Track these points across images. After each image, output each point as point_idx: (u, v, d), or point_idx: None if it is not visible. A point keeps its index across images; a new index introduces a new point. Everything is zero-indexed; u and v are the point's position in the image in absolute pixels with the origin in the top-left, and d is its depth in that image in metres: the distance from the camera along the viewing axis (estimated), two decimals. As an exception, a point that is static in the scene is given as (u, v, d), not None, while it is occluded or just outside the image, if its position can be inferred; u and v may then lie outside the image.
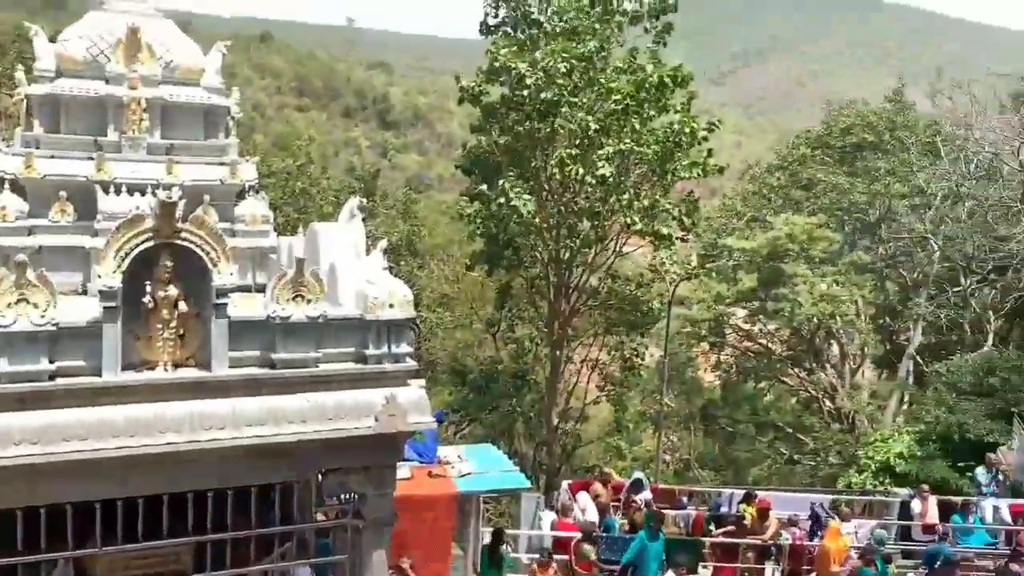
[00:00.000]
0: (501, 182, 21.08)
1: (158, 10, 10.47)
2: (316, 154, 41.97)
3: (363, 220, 9.32)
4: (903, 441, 21.37)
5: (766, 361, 32.64)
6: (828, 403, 30.79)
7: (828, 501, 16.40)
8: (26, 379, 6.35)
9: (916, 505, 15.66)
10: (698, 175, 22.13)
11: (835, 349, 32.53)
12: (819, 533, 14.30)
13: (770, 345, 33.13)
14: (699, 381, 37.14)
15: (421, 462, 12.02)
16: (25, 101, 9.65)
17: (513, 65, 20.46)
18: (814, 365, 31.30)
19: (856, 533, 14.58)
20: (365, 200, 10.15)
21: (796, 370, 32.39)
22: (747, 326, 33.05)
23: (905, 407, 29.76)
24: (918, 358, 30.93)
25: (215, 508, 7.16)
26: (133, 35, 9.52)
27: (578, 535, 13.42)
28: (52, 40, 10.03)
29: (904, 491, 17.53)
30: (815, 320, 28.33)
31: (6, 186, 9.21)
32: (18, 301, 6.33)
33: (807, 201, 35.13)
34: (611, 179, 20.66)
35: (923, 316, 30.96)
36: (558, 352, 24.89)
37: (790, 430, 31.72)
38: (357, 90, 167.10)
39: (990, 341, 28.78)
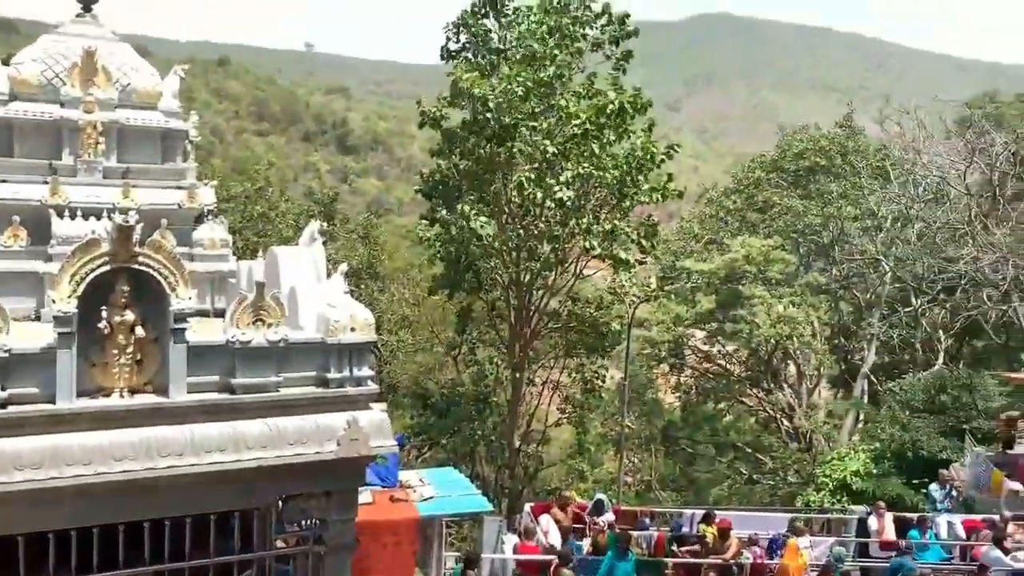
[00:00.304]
0: (460, 205, 21.17)
1: (114, 34, 10.41)
2: (275, 178, 41.72)
3: (323, 244, 9.29)
4: (859, 459, 21.76)
5: (725, 382, 33.03)
6: (786, 423, 31.24)
7: (787, 522, 16.58)
8: (-23, 407, 6.21)
9: (873, 522, 15.90)
10: (657, 199, 22.45)
11: (792, 369, 33.04)
12: (779, 552, 14.45)
13: (729, 366, 33.56)
14: (659, 403, 37.41)
15: (383, 486, 11.93)
16: (-23, 125, 9.50)
17: (476, 89, 20.64)
18: (772, 385, 31.76)
19: (811, 549, 14.75)
20: (325, 224, 10.16)
21: (755, 390, 32.83)
22: (706, 347, 33.46)
23: (860, 425, 30.30)
24: (872, 377, 31.55)
25: (173, 537, 7.03)
26: (89, 58, 9.45)
27: (543, 558, 13.39)
28: (5, 63, 9.90)
29: (861, 508, 17.81)
30: (773, 341, 28.81)
31: (-43, 210, 9.05)
32: (-31, 327, 6.20)
33: (763, 224, 35.80)
34: (570, 203, 20.87)
35: (876, 336, 31.65)
36: (519, 375, 24.92)
37: (749, 450, 32.11)
38: (316, 115, 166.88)
39: (941, 360, 29.49)
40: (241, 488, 7.14)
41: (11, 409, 6.36)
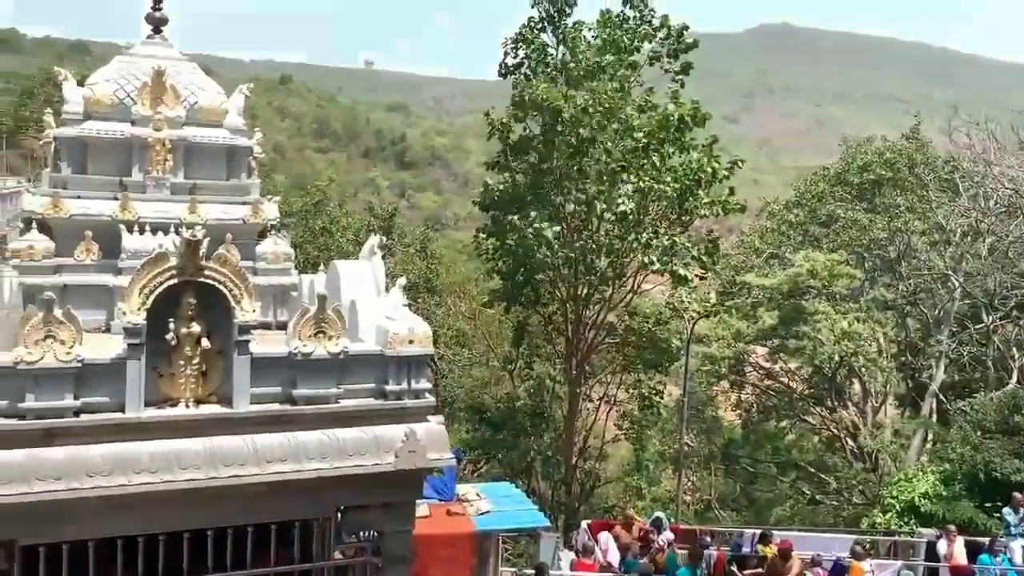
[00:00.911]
0: (527, 212, 21.22)
1: (183, 54, 10.73)
2: (336, 193, 42.47)
3: (382, 258, 9.40)
4: (928, 480, 21.02)
5: (787, 400, 32.34)
6: (850, 442, 30.39)
7: (850, 543, 16.12)
8: (52, 415, 6.41)
9: (943, 546, 15.36)
10: (718, 213, 22.20)
11: (857, 387, 32.19)
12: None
13: (791, 383, 32.85)
14: (719, 420, 36.79)
15: (440, 500, 11.97)
16: (53, 144, 9.87)
17: (551, 101, 20.68)
18: (836, 403, 30.97)
19: (876, 573, 14.31)
20: (384, 238, 10.27)
21: (818, 409, 32.04)
22: (768, 364, 32.82)
23: (929, 446, 29.32)
24: (941, 396, 30.54)
25: (235, 545, 7.14)
26: (158, 78, 9.75)
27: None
28: (80, 84, 10.28)
29: (930, 531, 17.22)
30: (837, 358, 28.10)
31: (34, 226, 9.40)
32: (45, 338, 6.42)
33: (826, 238, 35.05)
34: (631, 216, 20.79)
35: (945, 353, 30.65)
36: (576, 390, 24.80)
37: (812, 470, 31.30)
38: (376, 131, 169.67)
39: (1015, 379, 28.40)
40: (301, 498, 7.23)
41: (83, 417, 6.55)
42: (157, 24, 10.50)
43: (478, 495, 12.84)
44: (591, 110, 20.71)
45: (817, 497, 29.86)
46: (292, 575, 7.77)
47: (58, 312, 6.48)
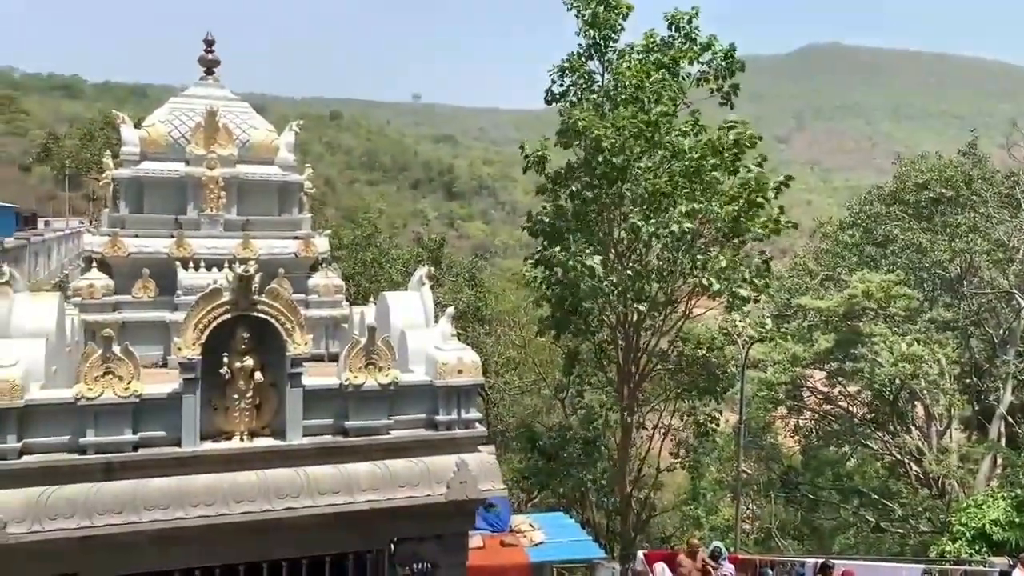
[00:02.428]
0: (570, 243, 21.16)
1: (234, 94, 11.02)
2: (385, 225, 43.01)
3: (431, 288, 9.45)
4: (999, 507, 20.18)
5: (847, 424, 31.50)
6: (915, 467, 29.42)
7: (919, 573, 15.54)
8: (112, 449, 6.54)
9: (1018, 575, 14.71)
10: (771, 233, 21.86)
11: (920, 410, 31.23)
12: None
13: (851, 408, 32.02)
14: (778, 446, 35.98)
15: (493, 531, 11.88)
16: (112, 184, 10.18)
17: (593, 131, 20.69)
18: (898, 428, 30.05)
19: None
20: (433, 268, 10.32)
21: (880, 433, 31.12)
22: (826, 388, 32.05)
23: (999, 471, 28.24)
24: (1009, 418, 29.47)
25: (290, 578, 7.17)
26: (211, 118, 10.01)
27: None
28: (137, 126, 10.60)
29: (1002, 560, 16.51)
30: (897, 381, 27.34)
31: (94, 264, 9.68)
32: (104, 374, 6.57)
33: (883, 259, 34.30)
34: (686, 238, 20.61)
35: (1013, 374, 29.59)
36: (629, 418, 24.47)
37: (876, 496, 30.34)
38: (424, 163, 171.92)
39: (1088, 399, 27.29)
40: (354, 530, 7.23)
41: (141, 452, 6.67)
42: (209, 66, 10.81)
43: (532, 526, 12.72)
44: (631, 137, 20.66)
45: (882, 525, 28.91)
46: (346, 608, 7.76)
47: (117, 349, 6.63)
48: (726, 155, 21.33)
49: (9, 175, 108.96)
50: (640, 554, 16.06)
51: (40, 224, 56.88)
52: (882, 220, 36.46)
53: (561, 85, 24.03)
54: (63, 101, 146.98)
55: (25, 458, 6.38)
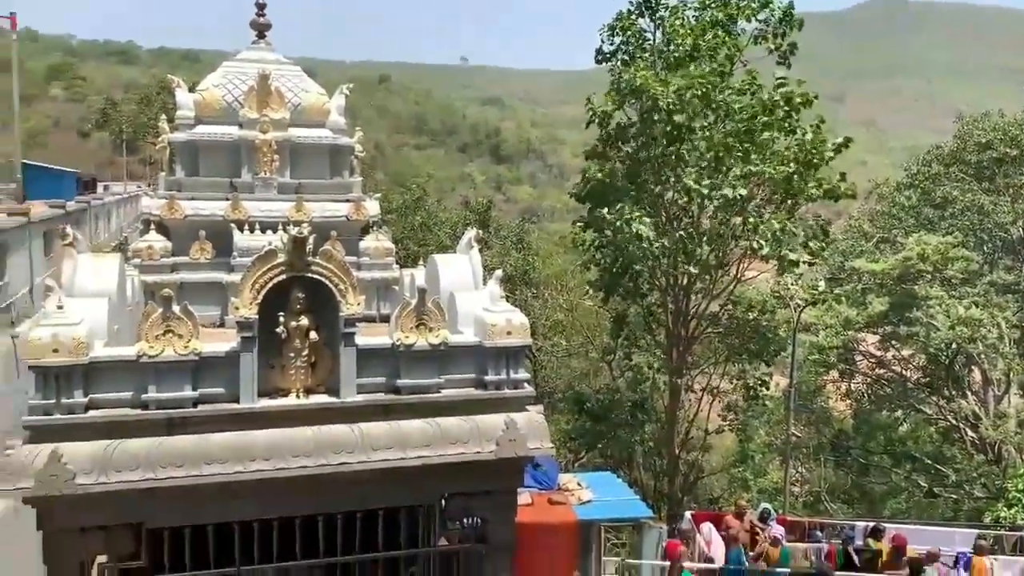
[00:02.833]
0: (620, 206, 20.97)
1: (286, 58, 11.11)
2: (434, 189, 43.17)
3: (479, 250, 9.50)
4: (1058, 473, 19.82)
5: (901, 389, 31.01)
6: (970, 432, 28.90)
7: (972, 539, 15.31)
8: (172, 405, 6.77)
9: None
10: (827, 197, 21.40)
11: (976, 375, 30.58)
12: (963, 571, 13.41)
13: (905, 372, 31.50)
14: (828, 410, 35.61)
15: (541, 489, 12.01)
16: (168, 148, 10.39)
17: (650, 88, 20.36)
18: (953, 392, 29.49)
19: (1000, 570, 13.57)
20: (481, 231, 10.36)
21: (934, 398, 30.59)
22: (879, 352, 31.55)
23: (1059, 437, 27.59)
24: (1072, 384, 28.69)
25: (345, 531, 7.38)
26: (264, 82, 10.12)
27: (700, 566, 13.04)
28: (192, 90, 10.77)
29: (1061, 527, 16.22)
30: (953, 345, 26.78)
31: (152, 227, 9.93)
32: (165, 333, 6.77)
33: (941, 220, 33.43)
34: (738, 201, 20.29)
35: (1075, 338, 28.75)
36: (678, 380, 24.41)
37: (929, 461, 29.93)
38: (472, 126, 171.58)
39: None
40: (406, 485, 7.40)
41: (201, 408, 6.89)
42: (261, 30, 10.90)
43: (580, 484, 12.81)
44: (688, 96, 20.29)
45: (935, 490, 28.55)
46: (399, 561, 7.97)
47: (176, 308, 6.82)
48: (779, 114, 20.87)
49: (69, 141, 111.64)
50: (687, 514, 16.11)
51: (99, 188, 58.26)
52: (941, 181, 35.50)
53: (612, 44, 23.69)
54: (119, 67, 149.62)
55: (91, 412, 6.64)
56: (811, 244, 21.43)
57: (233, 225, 9.77)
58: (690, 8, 22.97)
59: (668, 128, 20.62)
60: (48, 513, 6.51)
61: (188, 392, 6.83)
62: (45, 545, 6.59)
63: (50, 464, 6.24)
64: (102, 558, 7.07)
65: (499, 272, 8.74)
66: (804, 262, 21.85)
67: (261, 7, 10.83)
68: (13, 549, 13.80)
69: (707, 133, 20.78)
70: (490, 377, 7.68)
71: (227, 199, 9.94)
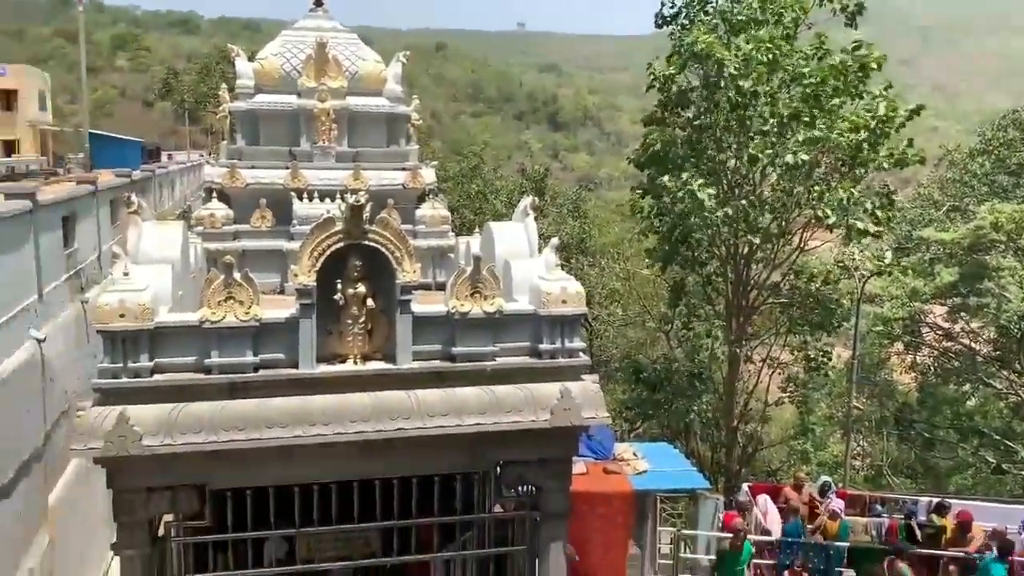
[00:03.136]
0: (680, 173, 20.61)
1: (343, 26, 11.11)
2: (490, 157, 43.07)
3: (535, 219, 9.44)
4: None
5: (969, 362, 30.10)
6: (1043, 408, 27.97)
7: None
8: (234, 370, 6.91)
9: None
10: (897, 166, 20.72)
11: (1050, 349, 29.49)
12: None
13: (973, 345, 30.54)
14: (892, 383, 34.79)
15: (596, 458, 12.02)
16: (229, 117, 10.52)
17: (715, 52, 19.88)
18: (1025, 367, 28.52)
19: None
20: (537, 199, 10.28)
21: (1004, 372, 29.63)
22: (947, 324, 30.63)
23: None
24: None
25: (401, 496, 7.49)
26: (321, 50, 10.16)
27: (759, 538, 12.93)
28: (251, 59, 10.87)
29: None
30: (1026, 318, 25.81)
31: (214, 195, 10.10)
32: (227, 299, 6.89)
33: (1017, 188, 32.13)
34: (803, 168, 19.75)
35: None
36: (737, 351, 24.07)
37: (997, 437, 29.07)
38: (528, 93, 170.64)
39: None
40: (462, 452, 7.46)
41: (262, 373, 7.02)
42: (318, -2, 10.91)
43: (635, 455, 12.78)
44: (754, 60, 19.74)
45: (1003, 466, 27.74)
46: (454, 526, 8.06)
47: (237, 275, 6.94)
48: (850, 78, 20.19)
49: (134, 111, 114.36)
50: (745, 486, 15.97)
51: (163, 157, 59.61)
52: (1017, 147, 34.04)
53: (672, 7, 23.17)
54: (181, 37, 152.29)
55: (156, 376, 6.81)
56: (877, 213, 20.79)
57: (292, 193, 9.89)
58: None
59: (733, 94, 20.10)
60: (117, 473, 6.73)
61: (249, 357, 6.96)
62: (115, 503, 6.82)
63: (118, 426, 6.44)
64: (168, 517, 7.30)
65: (555, 240, 8.68)
66: (871, 232, 21.22)
67: (319, -25, 10.83)
68: (85, 506, 14.37)
69: (771, 99, 20.22)
70: (545, 346, 7.65)
71: (287, 167, 10.04)
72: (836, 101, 20.17)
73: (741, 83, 19.78)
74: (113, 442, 6.41)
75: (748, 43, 19.90)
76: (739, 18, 21.26)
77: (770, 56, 19.81)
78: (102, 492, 6.99)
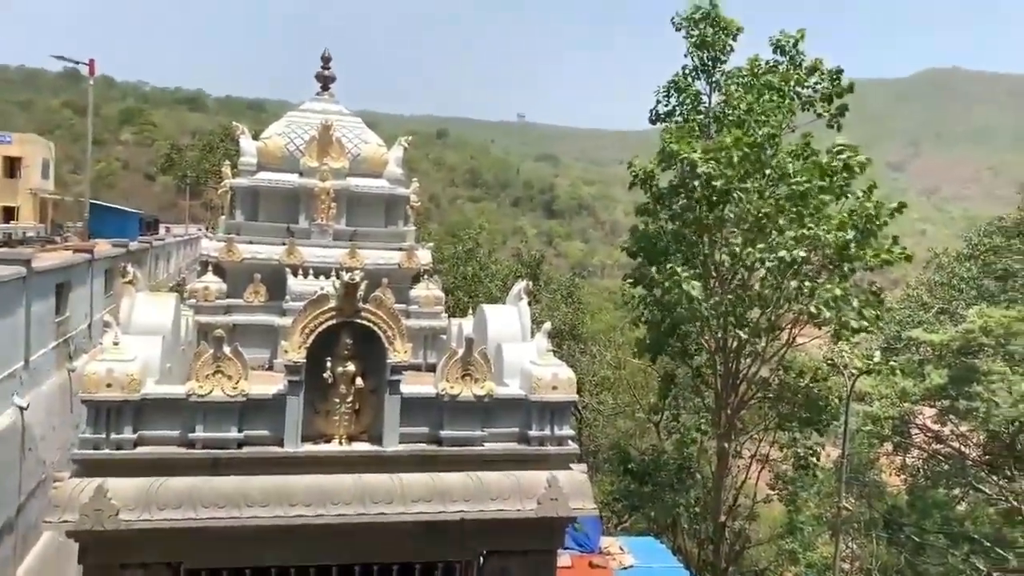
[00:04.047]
0: (669, 265, 20.87)
1: (348, 110, 11.39)
2: (486, 241, 43.51)
3: (529, 303, 9.49)
4: None
5: (959, 466, 29.85)
6: (1034, 516, 27.61)
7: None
8: (218, 446, 6.81)
9: None
10: (883, 264, 21.00)
11: (1040, 455, 29.31)
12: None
13: (963, 448, 30.34)
14: (882, 485, 34.40)
15: (581, 551, 11.78)
16: (229, 193, 10.66)
17: (685, 154, 20.45)
18: (1016, 472, 28.29)
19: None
20: (531, 284, 10.34)
21: (994, 477, 29.36)
22: (936, 426, 30.48)
23: None
24: None
25: (380, 582, 7.28)
26: (325, 132, 10.38)
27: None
28: (255, 138, 11.08)
29: None
30: (1016, 423, 25.76)
31: (209, 268, 10.14)
32: (215, 373, 6.86)
33: (1003, 294, 32.49)
34: (794, 264, 20.01)
35: None
36: (725, 445, 23.86)
37: (988, 544, 28.61)
38: (526, 181, 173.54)
39: None
40: (445, 539, 7.29)
41: (246, 449, 6.92)
42: (325, 82, 11.22)
43: (622, 549, 12.54)
44: (735, 158, 20.26)
45: (994, 574, 27.21)
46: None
47: (227, 349, 6.91)
48: (836, 179, 20.67)
49: (136, 183, 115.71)
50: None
51: (161, 229, 60.04)
52: (1003, 253, 34.57)
53: (667, 105, 23.83)
54: (188, 114, 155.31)
55: (139, 449, 6.71)
56: (865, 311, 20.95)
57: (288, 269, 9.94)
58: (745, 72, 23.06)
59: (708, 192, 20.57)
60: (90, 548, 6.56)
61: (234, 433, 6.88)
62: (85, 580, 6.62)
63: (96, 499, 6.31)
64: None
65: (547, 325, 8.70)
66: (861, 329, 21.32)
67: (326, 61, 11.15)
68: (54, 581, 13.94)
69: (754, 196, 20.62)
70: (534, 432, 7.59)
71: (283, 244, 10.12)
72: (823, 198, 20.58)
73: (715, 183, 20.23)
74: (89, 515, 6.27)
75: (729, 141, 20.42)
76: (729, 118, 21.87)
77: (744, 154, 20.30)
78: (75, 568, 6.79)
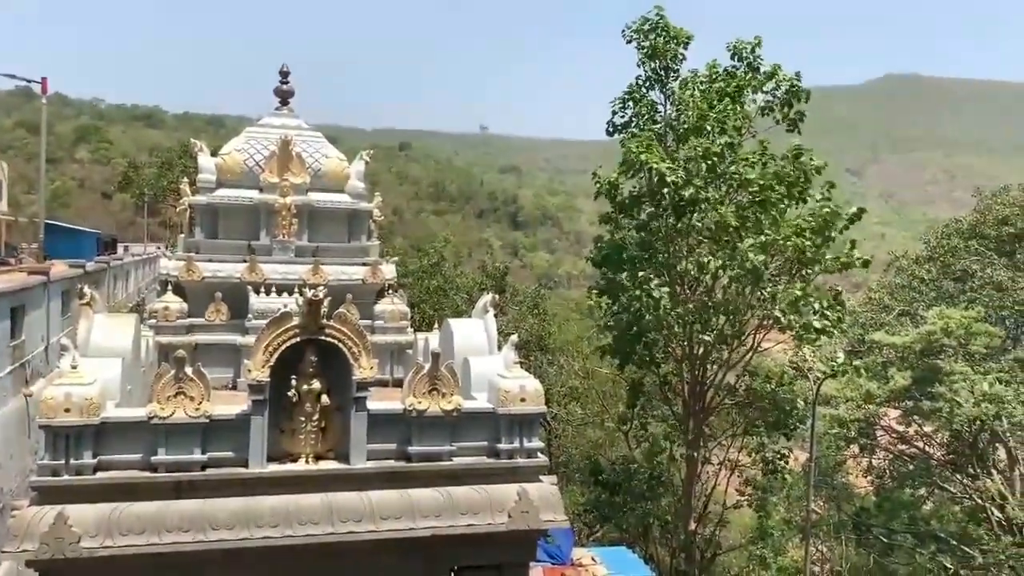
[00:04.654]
0: (640, 273, 20.94)
1: (308, 124, 11.29)
2: (451, 254, 43.42)
3: (495, 316, 9.45)
4: (1090, 557, 19.12)
5: (924, 466, 30.28)
6: (997, 513, 28.07)
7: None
8: (181, 468, 6.67)
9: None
10: (841, 268, 21.30)
11: (1002, 453, 29.86)
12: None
13: (928, 448, 30.80)
14: (849, 487, 34.77)
15: (554, 563, 11.72)
16: (188, 210, 10.49)
17: (653, 163, 20.53)
18: (979, 471, 28.77)
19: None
20: (497, 296, 10.29)
21: (958, 476, 29.82)
22: (901, 427, 30.91)
23: (1089, 519, 26.72)
24: (1101, 464, 27.91)
25: (351, 603, 7.17)
26: (285, 147, 10.27)
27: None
28: (214, 155, 10.93)
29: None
30: (977, 422, 26.22)
31: (169, 288, 9.96)
32: (176, 394, 6.72)
33: (961, 295, 33.10)
34: (759, 271, 20.18)
35: (1104, 418, 28.08)
36: (694, 453, 23.95)
37: (954, 542, 29.02)
38: (490, 193, 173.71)
39: None
40: (416, 555, 7.21)
41: (210, 471, 6.78)
42: (284, 97, 11.11)
43: (594, 559, 12.50)
44: (695, 168, 20.43)
45: (961, 572, 27.59)
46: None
47: (189, 370, 6.78)
48: (793, 184, 20.93)
49: (93, 202, 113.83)
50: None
51: (120, 249, 59.09)
52: (960, 255, 35.26)
53: (623, 116, 23.95)
54: (145, 130, 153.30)
55: (99, 474, 6.54)
56: (827, 314, 21.21)
57: (250, 287, 9.80)
58: (699, 80, 23.26)
59: (676, 201, 20.71)
60: (49, 577, 6.37)
61: (197, 455, 6.74)
62: (44, 611, 6.42)
63: (56, 526, 6.14)
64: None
65: (514, 337, 8.67)
66: (824, 331, 21.56)
67: (285, 75, 11.05)
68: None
69: (716, 205, 20.81)
70: (503, 445, 7.54)
71: (245, 261, 9.98)
72: (782, 205, 20.81)
73: (683, 192, 20.38)
74: (49, 544, 6.09)
75: (690, 151, 20.58)
76: (684, 127, 22.04)
77: (709, 163, 20.48)
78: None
